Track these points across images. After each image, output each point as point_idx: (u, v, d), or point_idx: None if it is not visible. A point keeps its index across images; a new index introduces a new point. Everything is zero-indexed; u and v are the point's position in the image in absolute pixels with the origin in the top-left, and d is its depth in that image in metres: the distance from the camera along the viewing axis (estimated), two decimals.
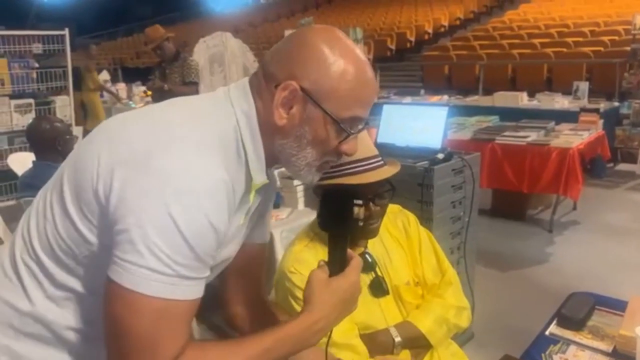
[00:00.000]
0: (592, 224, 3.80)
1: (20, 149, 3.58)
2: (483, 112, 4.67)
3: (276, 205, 2.24)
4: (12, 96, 3.88)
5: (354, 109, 0.75)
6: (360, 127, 0.78)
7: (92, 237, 0.70)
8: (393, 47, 10.49)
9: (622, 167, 5.22)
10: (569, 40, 7.95)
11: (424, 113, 2.31)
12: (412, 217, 1.42)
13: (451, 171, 2.15)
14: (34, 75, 4.01)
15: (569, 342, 1.20)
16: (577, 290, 1.43)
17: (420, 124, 2.24)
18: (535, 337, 1.23)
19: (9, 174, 3.26)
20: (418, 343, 1.27)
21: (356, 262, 0.82)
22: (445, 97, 5.93)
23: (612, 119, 4.97)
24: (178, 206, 0.64)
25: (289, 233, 2.06)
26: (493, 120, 4.38)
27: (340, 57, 0.73)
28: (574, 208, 4.04)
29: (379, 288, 1.27)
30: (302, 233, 1.28)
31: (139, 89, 7.71)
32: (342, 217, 0.83)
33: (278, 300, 1.32)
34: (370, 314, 1.25)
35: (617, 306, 1.31)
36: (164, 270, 0.65)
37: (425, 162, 2.11)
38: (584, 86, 5.14)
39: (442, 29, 11.30)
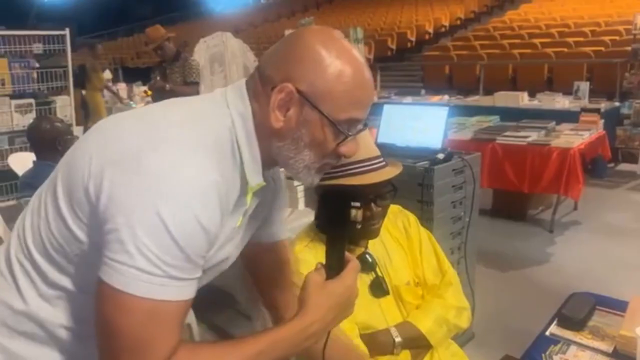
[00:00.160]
0: (593, 224, 3.79)
1: (21, 149, 3.58)
2: (483, 112, 4.66)
3: None
4: (13, 96, 3.88)
5: (351, 110, 0.74)
6: (358, 128, 0.77)
7: (82, 236, 0.70)
8: (394, 47, 10.49)
9: (623, 167, 5.22)
10: (570, 40, 7.95)
11: (425, 113, 2.31)
12: (412, 218, 1.42)
13: (452, 171, 2.15)
14: (35, 75, 4.01)
15: (569, 342, 1.19)
16: (578, 290, 1.43)
17: (420, 124, 2.23)
18: (535, 338, 1.23)
19: (10, 174, 3.26)
20: (418, 343, 1.27)
21: (353, 265, 0.81)
22: (446, 97, 5.92)
23: (612, 119, 4.97)
24: (167, 206, 0.64)
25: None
26: (494, 120, 4.38)
27: (336, 58, 0.72)
28: (575, 208, 4.04)
29: (379, 288, 1.27)
30: (303, 233, 1.28)
31: (139, 89, 7.72)
32: (339, 219, 0.82)
33: None
34: (371, 314, 1.25)
35: (618, 306, 1.31)
36: (153, 270, 0.65)
37: (426, 162, 2.11)
38: (584, 86, 5.13)
39: (443, 29, 11.29)
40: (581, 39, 7.93)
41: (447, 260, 1.42)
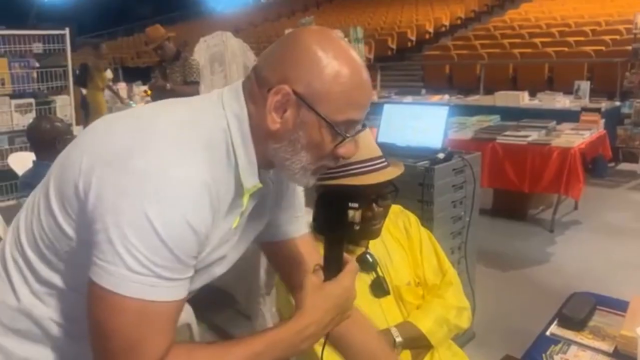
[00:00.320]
0: (593, 224, 3.79)
1: (21, 149, 3.58)
2: (484, 112, 4.66)
3: None
4: (13, 96, 3.89)
5: (348, 111, 0.73)
6: (356, 130, 0.76)
7: (71, 232, 0.71)
8: (394, 46, 10.49)
9: (624, 166, 5.22)
10: (570, 39, 7.94)
11: (425, 113, 2.30)
12: (413, 218, 1.42)
13: (452, 171, 2.15)
14: (35, 75, 4.01)
15: (570, 342, 1.19)
16: (578, 290, 1.43)
17: (421, 123, 2.23)
18: (536, 338, 1.23)
19: (10, 173, 3.26)
20: (419, 343, 1.27)
21: (351, 266, 0.81)
22: (446, 96, 5.92)
23: (613, 119, 4.96)
24: (155, 207, 0.64)
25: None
26: (494, 119, 4.37)
27: (333, 59, 0.71)
28: (575, 208, 4.03)
29: (379, 288, 1.27)
30: None
31: (139, 88, 7.73)
32: (337, 220, 0.80)
33: (279, 299, 1.32)
34: (371, 314, 1.24)
35: (619, 306, 1.31)
36: (143, 271, 0.64)
37: (426, 161, 2.10)
38: (585, 85, 5.12)
39: (443, 29, 11.29)
40: (582, 38, 7.92)
41: (448, 260, 1.42)
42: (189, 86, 4.05)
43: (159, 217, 0.64)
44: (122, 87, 7.93)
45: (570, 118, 4.20)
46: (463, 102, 5.61)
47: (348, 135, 0.74)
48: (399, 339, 1.23)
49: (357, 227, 0.79)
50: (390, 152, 1.28)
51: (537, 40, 8.29)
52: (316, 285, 0.78)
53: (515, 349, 1.24)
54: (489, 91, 6.09)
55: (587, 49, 7.34)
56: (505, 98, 5.19)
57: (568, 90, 5.29)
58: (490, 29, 9.85)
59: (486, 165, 3.46)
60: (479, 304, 2.16)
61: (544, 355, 1.15)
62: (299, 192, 0.94)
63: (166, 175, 0.65)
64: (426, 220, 2.00)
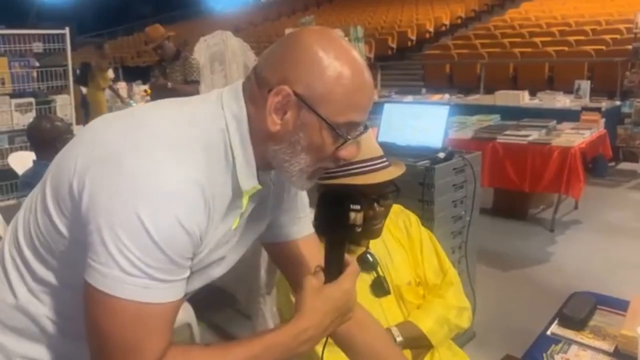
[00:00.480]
0: (593, 223, 3.79)
1: (21, 148, 3.58)
2: (484, 111, 4.66)
3: None
4: (13, 95, 3.88)
5: (350, 113, 0.71)
6: (358, 132, 0.74)
7: (65, 231, 0.70)
8: (394, 45, 10.48)
9: (624, 166, 5.21)
10: (571, 39, 7.94)
11: (425, 112, 2.30)
12: (413, 217, 1.42)
13: (452, 170, 2.15)
14: (35, 74, 4.01)
15: (570, 342, 1.19)
16: (579, 289, 1.43)
17: (421, 123, 2.23)
18: (536, 337, 1.23)
19: (10, 173, 3.26)
20: (419, 343, 1.27)
21: (352, 269, 0.79)
22: (447, 95, 5.92)
23: (613, 118, 4.96)
24: (147, 208, 0.63)
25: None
26: (494, 119, 4.37)
27: (335, 59, 0.70)
28: (576, 207, 4.03)
29: (380, 288, 1.27)
30: None
31: (139, 87, 7.72)
32: (338, 222, 0.78)
33: (279, 299, 1.32)
34: (372, 313, 1.24)
35: (619, 306, 1.31)
36: (136, 273, 0.64)
37: (426, 161, 2.10)
38: (585, 85, 5.12)
39: (443, 28, 11.28)
40: (582, 37, 7.92)
41: (448, 260, 1.42)
42: (189, 85, 4.05)
43: (150, 218, 0.63)
44: (122, 86, 7.92)
45: (570, 117, 4.20)
46: (463, 101, 5.60)
47: (349, 137, 0.73)
48: (399, 339, 1.23)
49: (359, 230, 0.78)
50: (390, 151, 1.28)
51: (537, 39, 8.29)
52: (315, 287, 0.76)
53: (516, 349, 1.24)
54: (489, 90, 6.09)
55: (588, 48, 7.34)
56: (505, 97, 5.18)
57: (568, 90, 5.28)
58: (490, 29, 9.84)
59: (486, 165, 3.46)
60: (479, 304, 2.16)
61: (544, 354, 1.15)
62: (302, 192, 0.92)
63: (159, 176, 0.65)
64: (426, 219, 2.00)
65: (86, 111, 6.69)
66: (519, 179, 3.52)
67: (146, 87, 6.80)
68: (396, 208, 1.38)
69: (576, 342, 1.19)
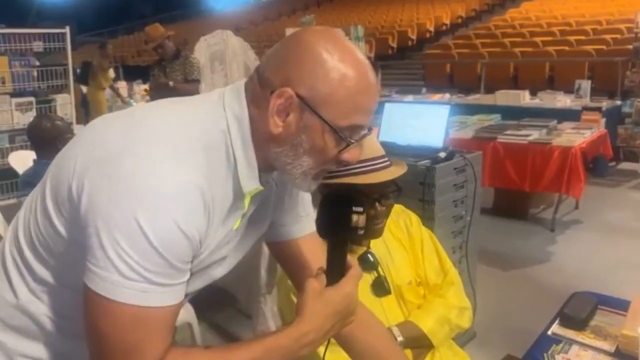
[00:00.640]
0: (594, 223, 3.78)
1: (21, 148, 3.58)
2: (485, 111, 4.65)
3: None
4: (13, 94, 3.88)
5: (354, 116, 0.70)
6: (361, 134, 0.73)
7: (64, 232, 0.70)
8: (394, 45, 10.48)
9: (625, 165, 5.21)
10: (571, 38, 7.94)
11: (426, 111, 2.30)
12: (414, 217, 1.42)
13: (453, 170, 2.15)
14: (35, 74, 4.01)
15: (571, 341, 1.19)
16: (579, 289, 1.42)
17: (421, 122, 2.23)
18: (537, 337, 1.23)
19: (10, 172, 3.26)
20: (420, 343, 1.27)
21: (354, 272, 0.78)
22: (447, 95, 5.92)
23: (614, 118, 4.95)
24: (145, 212, 0.63)
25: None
26: (495, 118, 4.37)
27: (339, 61, 0.69)
28: (576, 207, 4.03)
29: (381, 287, 1.27)
30: None
31: (139, 87, 7.72)
32: (340, 224, 0.76)
33: (280, 299, 1.32)
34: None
35: (620, 306, 1.30)
36: (134, 277, 0.64)
37: (427, 160, 2.10)
38: (586, 85, 5.12)
39: (444, 27, 11.27)
40: (582, 37, 7.92)
41: (449, 260, 1.42)
42: (190, 84, 4.05)
43: (149, 222, 0.63)
44: (122, 85, 7.91)
45: (571, 117, 4.20)
46: (464, 101, 5.60)
47: (353, 140, 0.72)
48: (400, 339, 1.23)
49: (361, 232, 0.76)
50: (391, 151, 1.28)
51: (538, 39, 8.28)
52: (317, 290, 0.75)
53: (517, 349, 1.24)
54: (490, 90, 6.09)
55: (588, 48, 7.33)
56: (506, 97, 5.18)
57: (569, 90, 5.28)
58: (491, 28, 9.84)
59: (487, 165, 3.45)
60: (480, 304, 2.15)
61: (545, 354, 1.14)
62: (301, 194, 0.92)
63: (157, 179, 0.64)
64: (427, 219, 1.99)
65: (86, 110, 6.68)
66: (520, 178, 3.52)
67: (146, 86, 6.78)
68: (397, 208, 1.38)
69: (577, 342, 1.18)
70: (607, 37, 7.55)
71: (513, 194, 3.77)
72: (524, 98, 5.16)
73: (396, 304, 1.30)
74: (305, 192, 0.83)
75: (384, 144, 1.26)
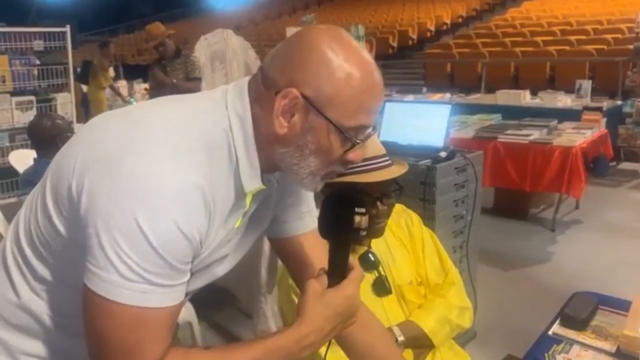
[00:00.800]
0: (594, 223, 3.78)
1: (22, 146, 3.57)
2: (485, 111, 4.65)
3: None
4: (13, 93, 3.87)
5: (359, 116, 0.70)
6: (366, 134, 0.72)
7: (63, 231, 0.70)
8: (395, 44, 10.48)
9: (625, 165, 5.21)
10: (572, 38, 7.93)
11: (426, 111, 2.30)
12: (415, 217, 1.42)
13: (454, 170, 2.15)
14: (35, 72, 4.00)
15: (572, 342, 1.19)
16: (580, 289, 1.42)
17: (422, 122, 2.23)
18: (538, 337, 1.23)
19: (10, 171, 3.25)
20: (421, 343, 1.27)
21: (356, 274, 0.77)
22: (448, 95, 5.91)
23: (615, 118, 4.95)
24: (145, 213, 0.62)
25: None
26: (495, 118, 4.36)
27: (345, 60, 0.68)
28: (577, 207, 4.03)
29: (381, 287, 1.27)
30: None
31: (140, 86, 7.71)
32: (342, 226, 0.76)
33: (281, 298, 1.32)
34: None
35: (621, 306, 1.30)
36: (134, 278, 0.63)
37: (428, 160, 2.10)
38: (586, 84, 5.11)
39: (445, 27, 11.27)
40: (583, 37, 7.91)
41: (450, 260, 1.42)
42: (191, 82, 4.06)
43: (149, 223, 0.62)
44: (122, 84, 7.90)
45: (571, 117, 4.19)
46: (464, 100, 5.60)
47: (358, 140, 0.71)
48: (401, 338, 1.23)
49: (364, 233, 0.76)
50: (392, 150, 1.28)
51: (538, 38, 8.28)
52: (318, 292, 0.74)
53: (517, 349, 1.23)
54: (490, 90, 6.09)
55: (589, 47, 7.33)
56: (506, 97, 5.18)
57: (569, 89, 5.28)
58: (491, 28, 9.83)
59: (487, 164, 3.45)
60: (480, 303, 2.15)
61: (546, 354, 1.14)
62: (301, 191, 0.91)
63: (157, 179, 0.63)
64: (428, 219, 1.99)
65: (87, 109, 6.67)
66: (520, 178, 3.52)
67: (147, 85, 6.78)
68: (398, 207, 1.38)
69: (578, 342, 1.18)
70: (608, 36, 7.54)
71: (513, 194, 3.77)
72: (525, 98, 5.16)
73: (397, 303, 1.30)
74: (311, 191, 0.82)
75: (385, 144, 1.26)
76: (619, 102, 5.30)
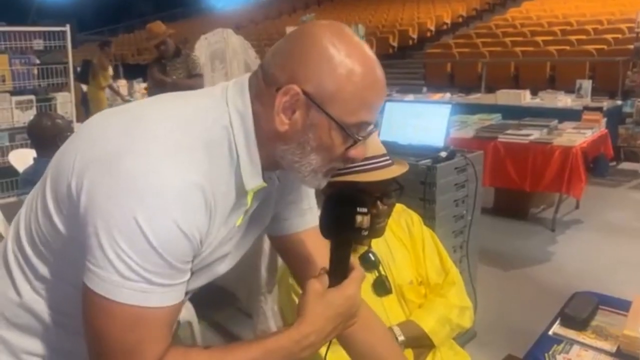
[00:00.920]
0: (594, 223, 3.78)
1: (22, 146, 3.57)
2: (485, 110, 4.65)
3: None
4: (13, 93, 3.87)
5: (361, 113, 0.69)
6: (368, 131, 0.71)
7: (63, 229, 0.70)
8: (395, 44, 10.48)
9: (625, 165, 5.21)
10: (572, 38, 7.93)
11: (427, 111, 2.30)
12: (415, 217, 1.42)
13: (454, 169, 2.14)
14: (35, 72, 3.99)
15: (572, 342, 1.19)
16: (580, 289, 1.42)
17: (422, 121, 2.23)
18: (538, 337, 1.23)
19: (10, 170, 3.25)
20: (421, 342, 1.27)
21: (357, 274, 0.77)
22: (448, 94, 5.91)
23: (615, 118, 4.95)
24: (144, 211, 0.62)
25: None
26: (495, 118, 4.36)
27: (346, 56, 0.67)
28: (577, 207, 4.03)
29: (382, 287, 1.27)
30: None
31: (140, 85, 7.71)
32: (343, 225, 0.75)
33: (281, 296, 1.32)
34: None
35: (621, 306, 1.30)
36: (134, 277, 0.63)
37: (428, 160, 2.10)
38: (587, 84, 5.12)
39: (445, 27, 11.27)
40: (583, 37, 7.91)
41: (450, 260, 1.42)
42: (192, 79, 4.08)
43: (148, 222, 0.62)
44: (122, 84, 7.91)
45: (572, 117, 4.19)
46: (464, 100, 5.60)
47: (360, 137, 0.70)
48: (401, 338, 1.23)
49: (365, 233, 0.75)
50: (392, 150, 1.27)
51: (538, 38, 8.28)
52: (318, 292, 0.74)
53: (517, 349, 1.23)
54: (491, 89, 6.09)
55: (589, 47, 7.33)
56: (506, 96, 5.18)
57: (570, 89, 5.28)
58: (491, 27, 9.83)
59: (488, 164, 3.45)
60: (481, 303, 2.15)
61: (546, 354, 1.14)
62: (304, 189, 0.90)
63: (157, 177, 0.63)
64: (428, 218, 1.99)
65: (87, 109, 6.67)
66: (520, 178, 3.51)
67: (146, 84, 6.78)
68: (398, 207, 1.38)
69: (578, 342, 1.18)
70: (608, 36, 7.54)
71: (514, 194, 3.77)
72: (525, 98, 5.16)
73: (397, 303, 1.30)
74: (314, 188, 0.82)
75: (385, 144, 1.26)
76: (619, 102, 5.30)
